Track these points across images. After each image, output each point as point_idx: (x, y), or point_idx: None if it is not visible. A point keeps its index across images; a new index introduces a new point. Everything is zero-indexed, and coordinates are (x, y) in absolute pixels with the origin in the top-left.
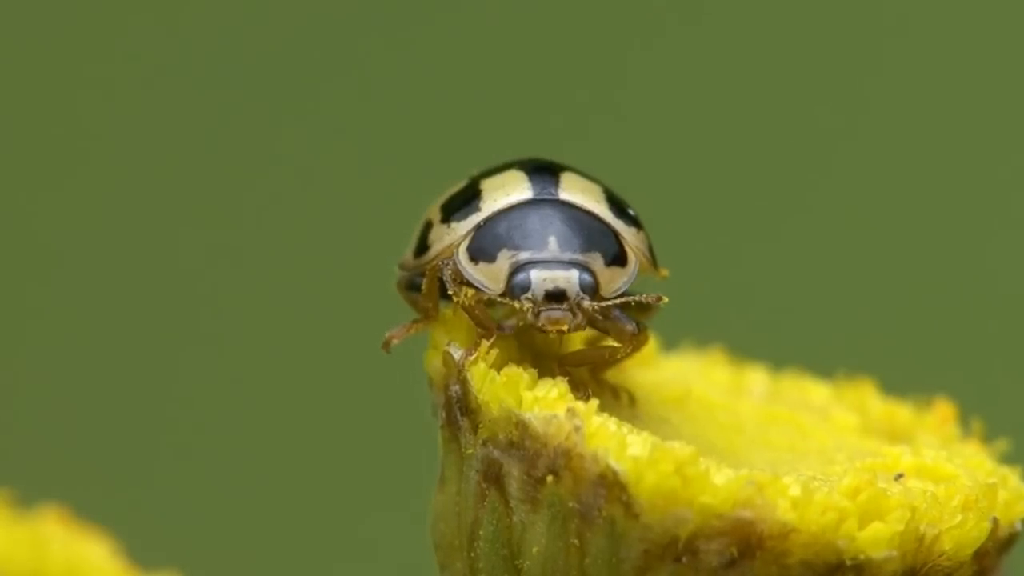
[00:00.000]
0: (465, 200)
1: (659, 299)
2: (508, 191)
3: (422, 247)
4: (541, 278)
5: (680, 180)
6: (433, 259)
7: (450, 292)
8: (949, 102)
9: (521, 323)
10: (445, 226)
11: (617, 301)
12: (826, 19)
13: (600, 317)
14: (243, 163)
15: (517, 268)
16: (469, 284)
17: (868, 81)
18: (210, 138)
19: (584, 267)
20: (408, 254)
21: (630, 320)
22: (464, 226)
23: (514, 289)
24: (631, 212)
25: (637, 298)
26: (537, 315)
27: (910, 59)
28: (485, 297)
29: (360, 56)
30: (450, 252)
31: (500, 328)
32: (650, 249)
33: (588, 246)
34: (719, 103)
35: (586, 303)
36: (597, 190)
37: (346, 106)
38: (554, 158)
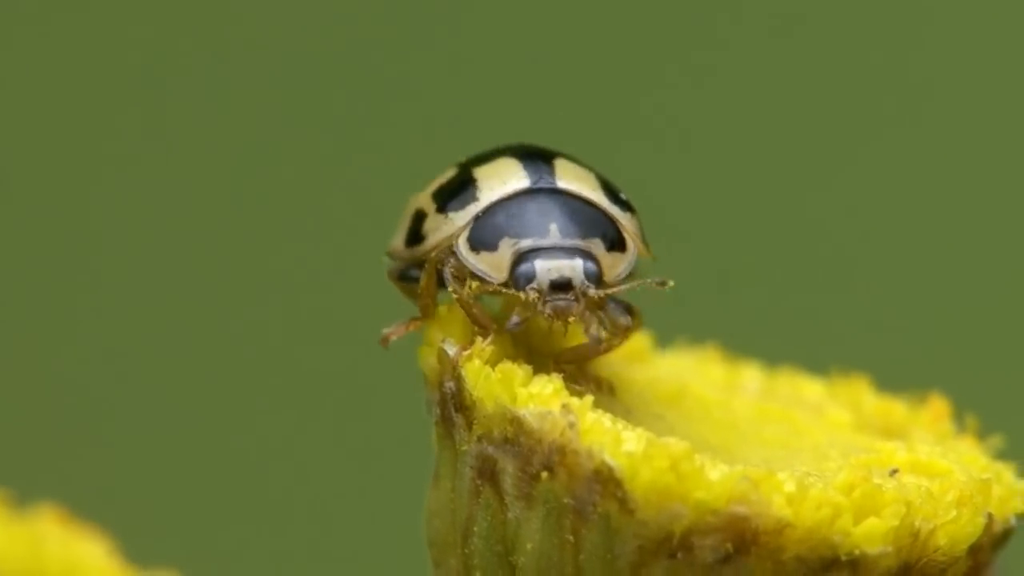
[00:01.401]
0: (459, 189)
1: (664, 283)
2: (504, 179)
3: (415, 237)
4: (546, 268)
5: (674, 177)
6: (430, 250)
7: (450, 289)
8: (942, 104)
9: (525, 317)
10: (442, 216)
11: (624, 287)
12: (843, 19)
13: (600, 307)
14: (241, 163)
15: (520, 256)
16: (472, 275)
17: (865, 81)
18: (207, 138)
19: (587, 254)
20: (398, 243)
21: (624, 312)
22: (462, 216)
23: (518, 279)
24: (623, 197)
25: (642, 282)
26: (544, 305)
27: (913, 61)
28: (490, 288)
29: (353, 55)
30: (448, 243)
31: (504, 328)
32: (642, 233)
33: (589, 232)
34: (716, 101)
35: (591, 291)
36: (591, 177)
37: (345, 104)
38: (543, 143)
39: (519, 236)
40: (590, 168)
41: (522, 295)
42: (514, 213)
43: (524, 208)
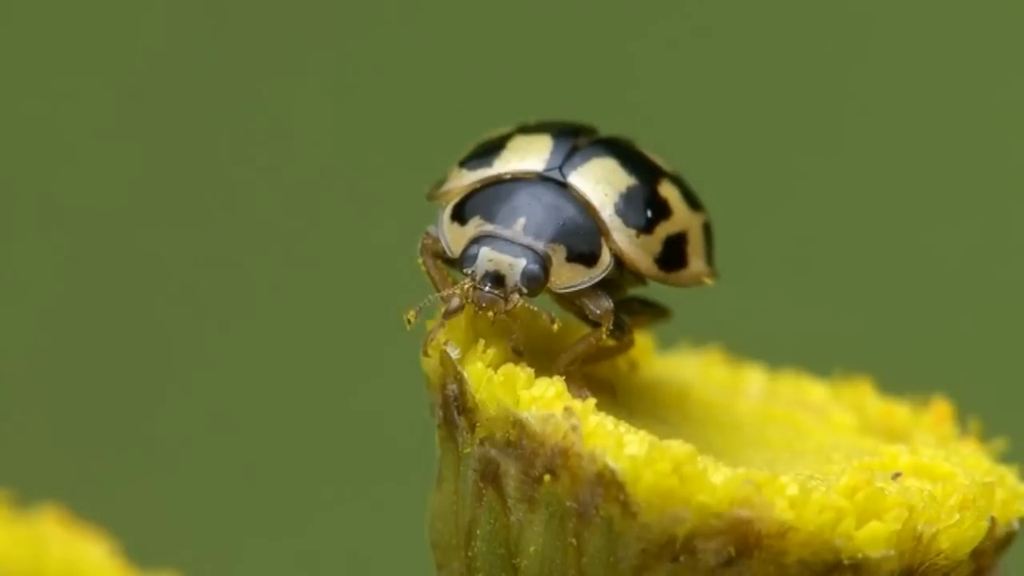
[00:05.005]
0: (490, 150)
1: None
2: (524, 156)
3: (442, 180)
4: (487, 257)
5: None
6: (437, 197)
7: (419, 262)
8: (944, 101)
9: (461, 302)
10: (458, 170)
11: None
12: (818, 17)
13: (570, 303)
14: (239, 165)
15: (476, 239)
16: (437, 242)
17: (866, 81)
18: (202, 139)
19: (539, 256)
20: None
21: (599, 305)
22: (468, 178)
23: (464, 260)
24: (649, 215)
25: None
26: (473, 292)
27: (908, 55)
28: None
29: (349, 53)
30: (446, 199)
31: (448, 310)
32: (660, 258)
33: (557, 237)
34: (715, 101)
35: (516, 296)
36: (622, 181)
37: (343, 106)
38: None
39: (487, 219)
40: (638, 172)
41: (461, 277)
42: (503, 194)
43: (515, 192)
